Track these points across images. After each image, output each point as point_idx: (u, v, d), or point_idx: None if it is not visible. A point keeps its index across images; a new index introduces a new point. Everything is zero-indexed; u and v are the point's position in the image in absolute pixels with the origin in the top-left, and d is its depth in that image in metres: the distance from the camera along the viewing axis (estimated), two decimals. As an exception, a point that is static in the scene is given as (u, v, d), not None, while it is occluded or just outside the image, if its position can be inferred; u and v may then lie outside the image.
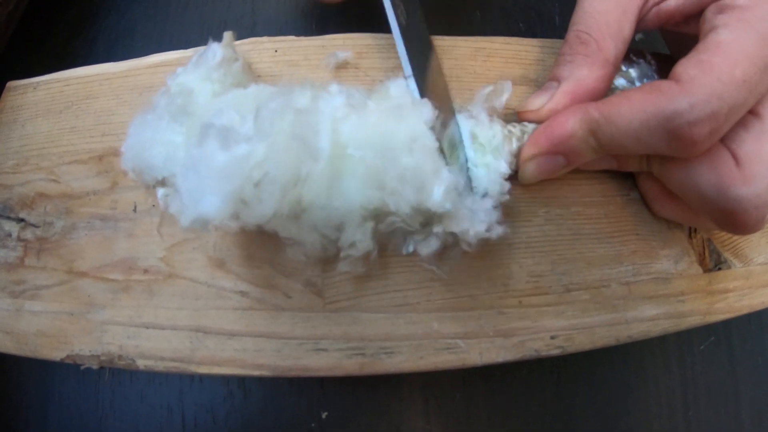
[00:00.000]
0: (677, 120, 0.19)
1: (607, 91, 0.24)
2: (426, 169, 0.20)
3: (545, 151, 0.23)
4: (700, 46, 0.21)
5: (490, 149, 0.24)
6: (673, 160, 0.22)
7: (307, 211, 0.20)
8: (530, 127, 0.24)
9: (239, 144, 0.18)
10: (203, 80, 0.23)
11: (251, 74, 0.26)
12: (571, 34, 0.24)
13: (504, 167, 0.23)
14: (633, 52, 0.27)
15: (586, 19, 0.23)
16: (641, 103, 0.20)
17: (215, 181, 0.18)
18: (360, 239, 0.21)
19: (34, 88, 0.28)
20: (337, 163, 0.20)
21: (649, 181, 0.25)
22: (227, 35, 0.24)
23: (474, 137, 0.24)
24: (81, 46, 0.34)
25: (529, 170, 0.24)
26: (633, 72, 0.27)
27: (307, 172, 0.20)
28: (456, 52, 0.27)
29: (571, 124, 0.22)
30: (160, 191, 0.23)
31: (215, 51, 0.23)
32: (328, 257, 0.22)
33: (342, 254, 0.22)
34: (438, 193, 0.20)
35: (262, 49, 0.27)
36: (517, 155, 0.24)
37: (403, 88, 0.22)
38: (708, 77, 0.19)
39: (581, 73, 0.23)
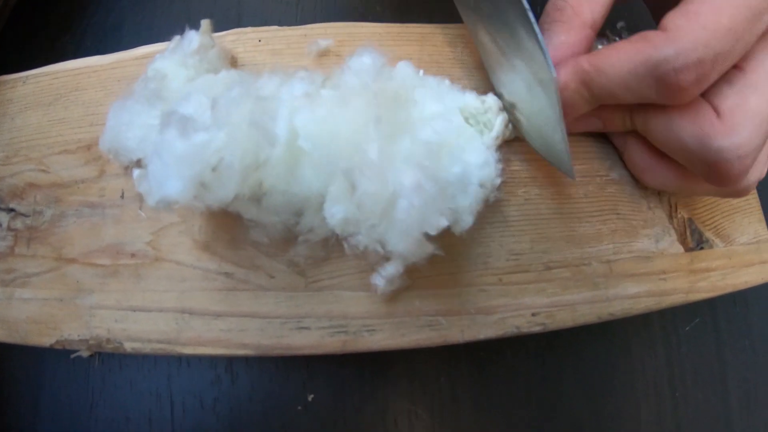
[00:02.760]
0: (664, 67, 0.20)
1: (588, 52, 0.24)
2: (336, 181, 0.20)
3: None
4: None
5: (481, 122, 0.24)
6: (656, 113, 0.22)
7: (268, 195, 0.21)
8: None
9: (197, 132, 0.19)
10: (179, 66, 0.24)
11: (226, 61, 0.26)
12: (548, 5, 0.24)
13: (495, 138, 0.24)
14: (611, 31, 0.27)
15: None
16: (629, 53, 0.21)
17: (176, 167, 0.19)
18: (318, 225, 0.21)
19: (24, 82, 0.29)
20: (295, 150, 0.21)
21: (636, 149, 0.25)
22: (204, 23, 0.25)
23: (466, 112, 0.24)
24: (70, 41, 0.35)
25: None
26: None
27: (265, 157, 0.20)
28: (436, 39, 0.28)
29: (563, 76, 0.22)
30: (136, 172, 0.23)
31: (192, 38, 0.24)
32: (290, 239, 0.23)
33: (300, 238, 0.22)
34: (336, 212, 0.20)
35: (246, 39, 0.27)
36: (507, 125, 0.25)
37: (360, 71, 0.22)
38: (694, 25, 0.20)
39: (559, 39, 0.23)
